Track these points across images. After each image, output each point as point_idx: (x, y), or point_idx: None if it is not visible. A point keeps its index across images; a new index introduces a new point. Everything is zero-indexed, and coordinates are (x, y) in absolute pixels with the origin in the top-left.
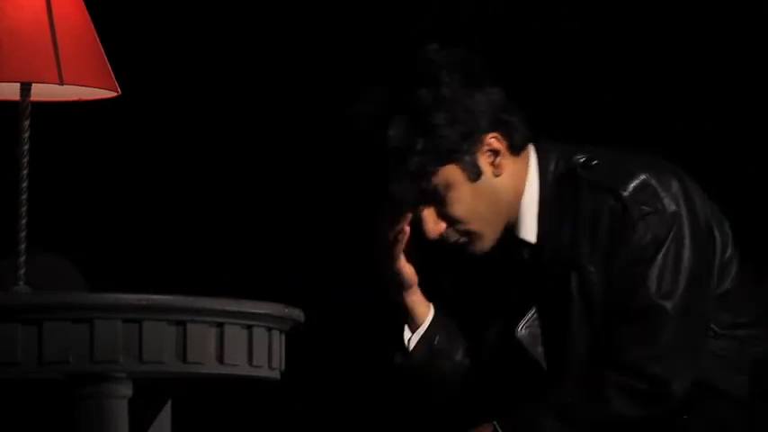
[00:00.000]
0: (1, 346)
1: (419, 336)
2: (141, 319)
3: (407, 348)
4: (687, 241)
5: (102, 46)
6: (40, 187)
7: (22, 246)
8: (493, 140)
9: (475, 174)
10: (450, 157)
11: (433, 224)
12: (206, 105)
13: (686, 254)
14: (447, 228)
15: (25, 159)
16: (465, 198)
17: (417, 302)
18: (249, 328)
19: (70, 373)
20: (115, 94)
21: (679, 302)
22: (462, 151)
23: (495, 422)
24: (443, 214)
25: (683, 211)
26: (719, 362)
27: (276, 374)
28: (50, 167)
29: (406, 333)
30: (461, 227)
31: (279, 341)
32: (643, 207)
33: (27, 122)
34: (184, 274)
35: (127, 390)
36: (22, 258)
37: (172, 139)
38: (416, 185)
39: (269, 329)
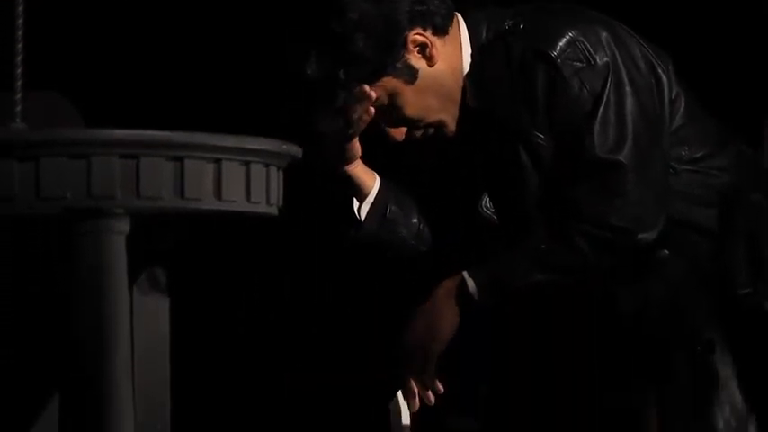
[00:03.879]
0: None
1: (368, 205)
2: (138, 154)
3: (359, 219)
4: (627, 89)
5: None
6: (36, 23)
7: (19, 83)
8: (417, 37)
9: (411, 76)
10: (381, 72)
11: (394, 131)
12: None
13: (628, 101)
14: (408, 129)
15: None
16: (412, 100)
17: (361, 173)
18: (247, 164)
19: (67, 208)
20: None
21: (631, 152)
22: (390, 62)
23: (464, 272)
24: (398, 120)
25: (618, 60)
26: (685, 198)
27: (274, 210)
28: (47, 3)
29: (355, 204)
30: (420, 123)
31: (276, 177)
32: (575, 63)
33: None
34: (182, 111)
35: (124, 225)
36: (19, 95)
37: None
38: (350, 114)
39: (266, 165)
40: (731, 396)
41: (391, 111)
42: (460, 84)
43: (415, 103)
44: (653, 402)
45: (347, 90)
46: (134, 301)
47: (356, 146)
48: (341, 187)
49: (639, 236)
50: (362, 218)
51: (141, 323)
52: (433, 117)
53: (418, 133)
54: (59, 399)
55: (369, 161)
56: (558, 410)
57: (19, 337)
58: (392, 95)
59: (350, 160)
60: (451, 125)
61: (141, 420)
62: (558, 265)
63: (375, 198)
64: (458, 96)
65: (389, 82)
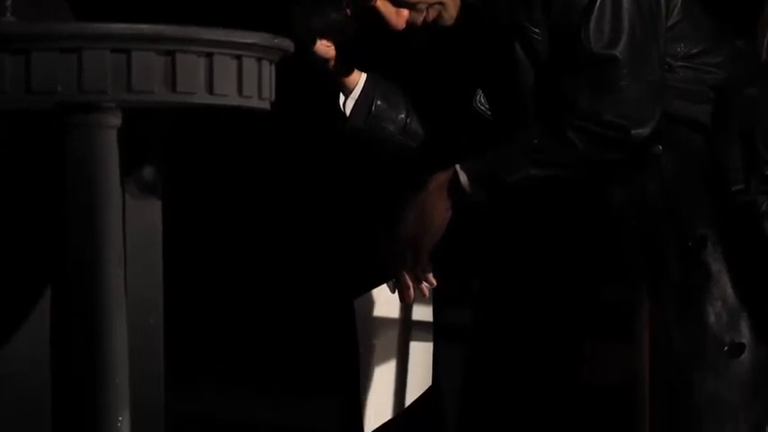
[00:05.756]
0: None
1: (354, 100)
2: (130, 48)
3: (345, 114)
4: None
5: None
6: None
7: None
8: None
9: None
10: None
11: (396, 16)
12: None
13: None
14: (410, 14)
15: None
16: None
17: (345, 70)
18: (239, 57)
19: (59, 102)
20: None
21: (626, 47)
22: None
23: (457, 165)
24: (399, 1)
25: None
26: (680, 94)
27: (266, 105)
28: None
29: (341, 98)
30: (422, 5)
31: (269, 71)
32: None
33: None
34: (174, 5)
35: (116, 119)
36: None
37: None
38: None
39: (259, 60)
40: (723, 291)
41: None
42: None
43: None
44: (645, 297)
45: None
46: (126, 195)
47: (330, 49)
48: (327, 83)
49: (633, 131)
50: (347, 113)
51: (133, 217)
52: None
53: (419, 18)
54: (51, 292)
55: (362, 55)
56: (552, 303)
57: (10, 231)
58: None
59: (326, 56)
60: (452, 10)
61: (133, 314)
62: (551, 161)
63: (360, 93)
64: None
65: None
